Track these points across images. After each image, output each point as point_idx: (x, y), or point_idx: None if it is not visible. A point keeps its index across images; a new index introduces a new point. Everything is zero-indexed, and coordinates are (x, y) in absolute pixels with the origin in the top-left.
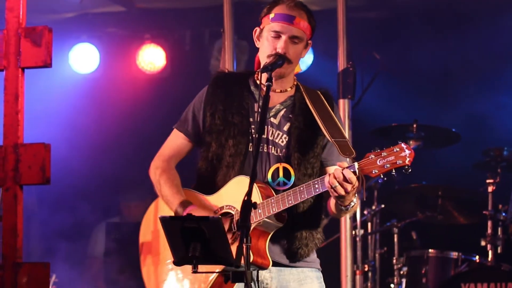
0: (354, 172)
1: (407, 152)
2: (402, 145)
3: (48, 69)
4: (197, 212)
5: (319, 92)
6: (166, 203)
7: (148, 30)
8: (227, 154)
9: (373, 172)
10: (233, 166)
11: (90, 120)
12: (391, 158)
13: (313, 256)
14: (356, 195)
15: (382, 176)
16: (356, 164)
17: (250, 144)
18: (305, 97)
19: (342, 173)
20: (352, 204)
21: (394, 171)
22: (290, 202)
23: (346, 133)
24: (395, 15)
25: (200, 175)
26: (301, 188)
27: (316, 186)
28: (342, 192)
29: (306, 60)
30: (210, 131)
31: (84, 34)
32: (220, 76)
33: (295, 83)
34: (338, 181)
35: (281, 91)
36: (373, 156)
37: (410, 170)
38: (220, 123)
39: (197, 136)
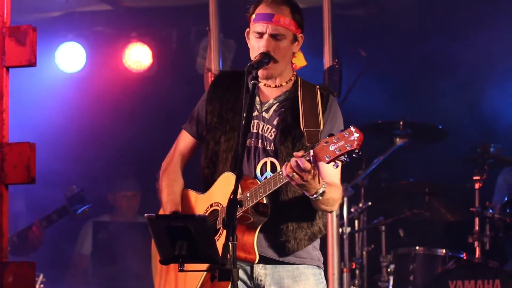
0: (309, 160)
1: (356, 135)
2: (352, 128)
3: (34, 68)
4: None
5: (317, 87)
6: (162, 208)
7: (134, 28)
8: (221, 150)
9: (326, 158)
10: (226, 162)
11: (76, 119)
12: (341, 143)
13: (310, 251)
14: (325, 184)
15: (335, 162)
16: (311, 151)
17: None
18: (299, 91)
19: (297, 161)
20: (320, 191)
21: (346, 155)
22: (261, 194)
23: None
24: (381, 12)
25: (203, 173)
26: (269, 180)
27: (281, 176)
28: (299, 181)
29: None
30: (208, 129)
31: (71, 33)
32: (221, 75)
33: (293, 78)
34: (294, 170)
35: (276, 86)
36: (327, 142)
37: (360, 153)
38: (216, 120)
39: (202, 134)
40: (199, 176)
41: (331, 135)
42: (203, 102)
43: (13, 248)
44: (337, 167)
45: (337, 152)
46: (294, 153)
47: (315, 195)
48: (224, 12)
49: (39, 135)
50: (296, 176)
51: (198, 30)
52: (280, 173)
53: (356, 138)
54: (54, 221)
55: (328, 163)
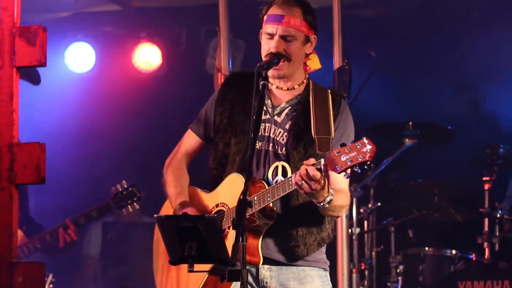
0: (320, 169)
1: (368, 147)
2: (364, 140)
3: (44, 68)
4: (193, 213)
5: (329, 91)
6: (170, 202)
7: (144, 29)
8: (231, 153)
9: (337, 168)
10: (233, 165)
11: (86, 119)
12: (353, 154)
13: (317, 255)
14: (332, 191)
15: (346, 172)
16: (322, 160)
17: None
18: (310, 95)
19: (307, 170)
20: (328, 199)
21: (357, 167)
22: (269, 199)
23: None
24: (391, 12)
25: (211, 174)
26: (278, 185)
27: (290, 183)
28: (308, 189)
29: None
30: (218, 131)
31: (80, 33)
32: (232, 76)
33: (305, 81)
34: (303, 179)
35: (288, 89)
36: (338, 152)
37: (372, 166)
38: (227, 122)
39: (209, 135)
40: (206, 177)
41: (343, 145)
42: (212, 103)
43: (44, 246)
44: (348, 177)
45: (348, 163)
46: (305, 162)
47: (322, 203)
48: (233, 13)
49: (48, 135)
50: (305, 185)
51: (207, 31)
52: (290, 179)
53: (368, 150)
54: (93, 219)
55: (339, 173)
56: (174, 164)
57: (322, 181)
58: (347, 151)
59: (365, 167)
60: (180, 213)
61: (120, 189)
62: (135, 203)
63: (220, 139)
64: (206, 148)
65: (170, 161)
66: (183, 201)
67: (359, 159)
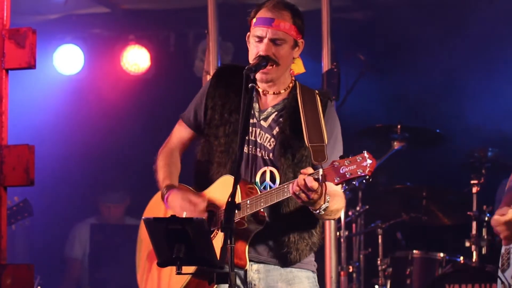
0: (317, 179)
1: (368, 162)
2: (365, 154)
3: (32, 70)
4: (176, 197)
5: (316, 92)
6: (159, 187)
7: (132, 31)
8: (218, 151)
9: (335, 180)
10: (225, 165)
11: (74, 121)
12: (353, 167)
13: (306, 259)
14: (328, 198)
15: (343, 185)
16: (320, 170)
17: None
18: (298, 99)
19: (305, 180)
20: (323, 207)
21: (355, 180)
22: (262, 204)
23: None
24: (380, 16)
25: (197, 167)
26: (273, 192)
27: (285, 190)
28: (305, 199)
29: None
30: (209, 125)
31: (69, 35)
32: (224, 69)
33: (291, 84)
34: (300, 189)
35: (274, 93)
36: (337, 164)
37: (370, 180)
38: (218, 118)
39: (199, 127)
40: (192, 170)
41: (342, 157)
42: (202, 95)
43: None
44: (345, 190)
45: (347, 176)
46: (302, 171)
47: (318, 211)
48: (222, 15)
49: (37, 137)
50: (303, 194)
51: (196, 33)
52: (285, 187)
53: (368, 165)
54: None
55: (336, 184)
56: (165, 152)
57: (320, 190)
58: (347, 164)
59: (364, 181)
60: (167, 194)
61: (10, 205)
62: (26, 219)
63: (210, 134)
64: (198, 138)
65: (161, 150)
66: (169, 184)
67: (359, 173)
